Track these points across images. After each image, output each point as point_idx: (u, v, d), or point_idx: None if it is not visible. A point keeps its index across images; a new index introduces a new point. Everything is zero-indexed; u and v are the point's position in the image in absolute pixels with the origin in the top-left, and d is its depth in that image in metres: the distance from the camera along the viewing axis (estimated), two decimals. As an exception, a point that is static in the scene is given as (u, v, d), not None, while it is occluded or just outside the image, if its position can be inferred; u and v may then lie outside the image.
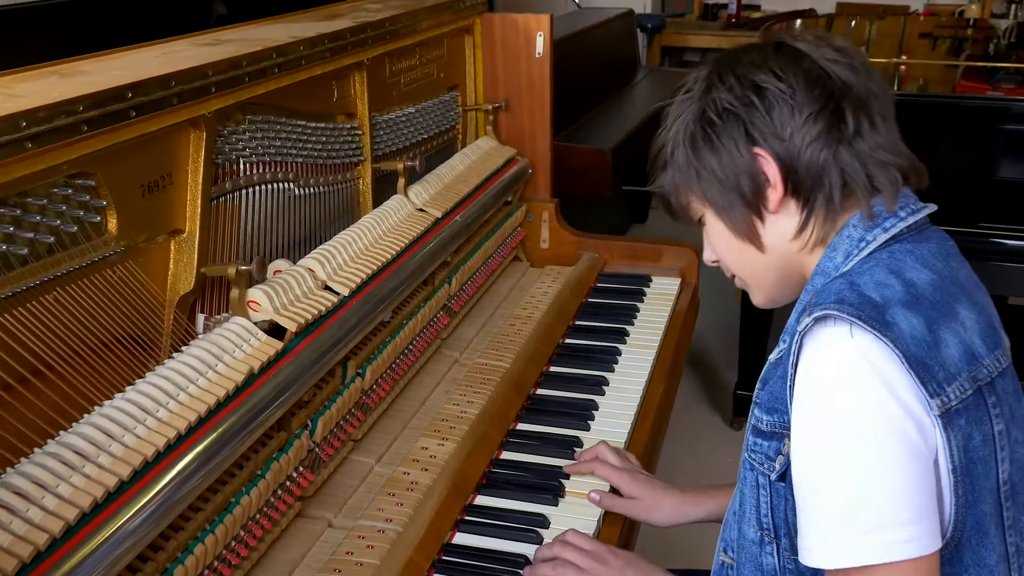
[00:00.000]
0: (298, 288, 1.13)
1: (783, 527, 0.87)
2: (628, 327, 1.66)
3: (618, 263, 1.92)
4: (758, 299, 1.00)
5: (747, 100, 0.88)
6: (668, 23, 4.78)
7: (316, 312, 1.12)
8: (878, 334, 0.78)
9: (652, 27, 4.60)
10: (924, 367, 0.78)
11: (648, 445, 1.37)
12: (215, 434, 0.91)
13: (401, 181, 1.48)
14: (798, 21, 4.82)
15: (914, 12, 4.91)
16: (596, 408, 1.40)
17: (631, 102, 3.68)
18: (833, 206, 0.88)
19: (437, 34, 1.69)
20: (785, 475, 0.85)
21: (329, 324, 1.14)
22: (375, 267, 1.27)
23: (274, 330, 1.08)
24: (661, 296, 1.79)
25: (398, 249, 1.34)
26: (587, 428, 1.35)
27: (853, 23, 4.65)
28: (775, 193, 0.89)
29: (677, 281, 1.85)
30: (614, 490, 1.21)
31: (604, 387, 1.46)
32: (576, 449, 1.29)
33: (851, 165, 0.87)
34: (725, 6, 4.96)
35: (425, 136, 1.68)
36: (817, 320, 0.81)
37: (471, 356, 1.55)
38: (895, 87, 2.89)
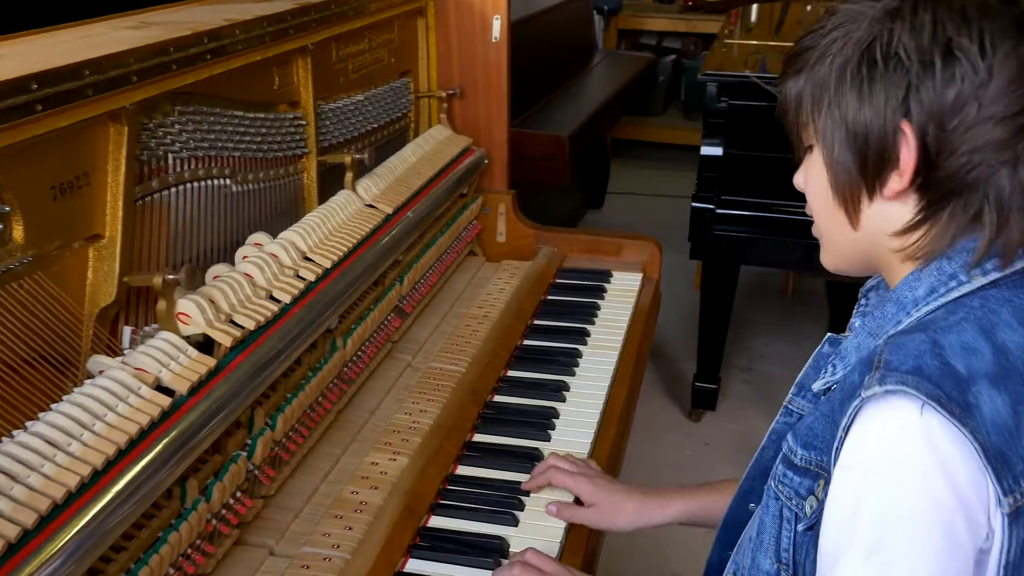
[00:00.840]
0: (234, 297, 1.03)
1: (803, 566, 0.81)
2: (589, 327, 1.59)
3: (577, 257, 1.85)
4: (826, 260, 0.88)
5: (928, 59, 0.71)
6: (625, 6, 4.71)
7: (255, 323, 1.03)
8: (957, 423, 0.67)
9: (609, 10, 4.53)
10: (1003, 460, 0.68)
11: (612, 453, 1.31)
12: (138, 466, 0.82)
13: (349, 175, 1.38)
14: None
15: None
16: (557, 416, 1.33)
17: (588, 87, 3.61)
18: (958, 226, 0.75)
19: (387, 17, 1.59)
20: (815, 525, 0.78)
21: (269, 335, 1.05)
22: (320, 270, 1.18)
23: (207, 344, 0.99)
24: (623, 293, 1.72)
25: (345, 250, 1.25)
26: (547, 439, 1.28)
27: (808, 8, 4.62)
28: (897, 182, 0.75)
29: (639, 276, 1.78)
30: (577, 500, 1.14)
31: (565, 392, 1.39)
32: (536, 463, 1.22)
33: (1005, 194, 0.72)
34: (682, -12, 4.90)
35: (375, 126, 1.58)
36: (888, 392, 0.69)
37: (424, 360, 1.46)
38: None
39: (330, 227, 1.27)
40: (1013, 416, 0.69)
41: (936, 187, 0.74)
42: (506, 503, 1.14)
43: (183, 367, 0.92)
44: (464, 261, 1.81)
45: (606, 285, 1.74)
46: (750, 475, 1.07)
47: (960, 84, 0.71)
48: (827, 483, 0.77)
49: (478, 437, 1.28)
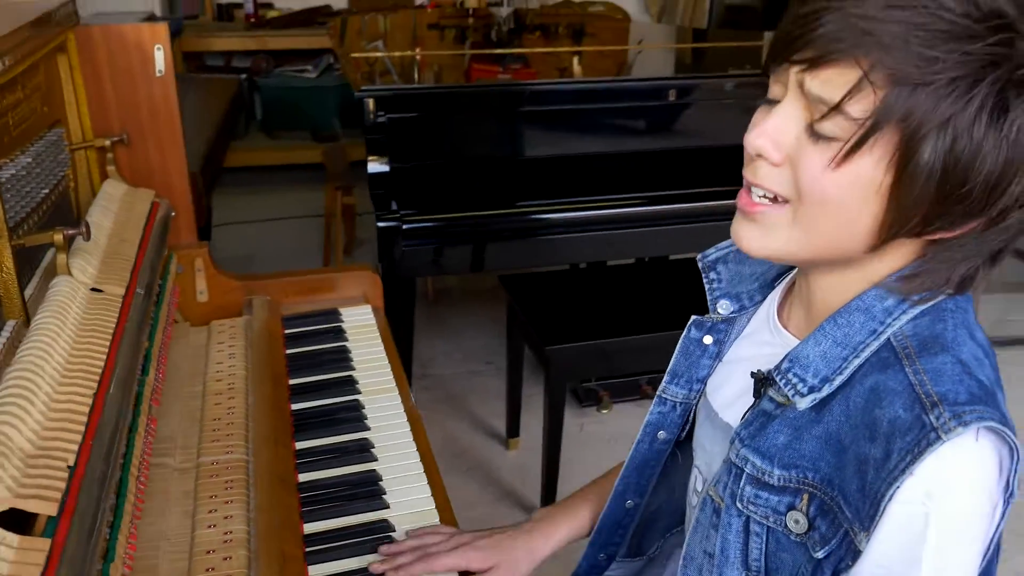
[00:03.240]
0: (16, 459, 0.76)
1: (777, 570, 0.81)
2: (351, 372, 1.46)
3: (294, 302, 1.69)
4: (771, 248, 0.80)
5: None
6: (186, 27, 4.38)
7: (57, 482, 0.76)
8: (1012, 440, 0.70)
9: (171, 32, 4.18)
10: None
11: (443, 500, 1.22)
12: None
13: (61, 257, 1.09)
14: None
15: (421, 5, 5.17)
16: (380, 478, 1.20)
17: (184, 117, 3.30)
18: (947, 278, 0.77)
19: (33, 58, 1.28)
20: (810, 531, 0.78)
21: (75, 494, 0.79)
22: (88, 396, 0.91)
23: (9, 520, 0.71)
24: (362, 329, 1.61)
25: (102, 358, 0.98)
26: (386, 505, 1.15)
27: (367, 18, 4.74)
28: (948, 232, 0.73)
29: (368, 308, 1.68)
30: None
31: (372, 450, 1.26)
32: (390, 535, 1.09)
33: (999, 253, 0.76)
34: (240, 5, 4.70)
35: (46, 191, 1.27)
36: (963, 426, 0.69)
37: (190, 457, 1.22)
38: (416, 77, 2.81)
39: (71, 331, 0.99)
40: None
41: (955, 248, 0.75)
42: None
43: (12, 562, 0.65)
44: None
45: (341, 325, 1.61)
46: (626, 473, 1.07)
47: None
48: (814, 499, 0.79)
49: (310, 527, 1.11)
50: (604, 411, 2.85)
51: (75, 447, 0.81)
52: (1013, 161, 0.68)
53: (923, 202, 0.70)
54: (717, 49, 3.38)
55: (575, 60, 3.26)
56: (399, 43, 4.18)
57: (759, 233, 0.79)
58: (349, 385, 1.42)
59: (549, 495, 2.34)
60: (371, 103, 2.12)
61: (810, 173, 0.73)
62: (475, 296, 3.70)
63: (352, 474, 1.21)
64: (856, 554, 0.75)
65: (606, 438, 2.77)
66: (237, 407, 1.33)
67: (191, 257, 1.61)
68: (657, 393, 1.01)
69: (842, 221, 0.74)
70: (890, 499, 0.71)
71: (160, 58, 1.49)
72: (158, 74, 1.50)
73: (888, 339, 0.77)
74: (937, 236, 0.74)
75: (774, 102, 0.76)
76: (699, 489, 0.97)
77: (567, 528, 1.10)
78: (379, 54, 3.03)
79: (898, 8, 0.66)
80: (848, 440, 0.76)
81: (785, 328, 0.91)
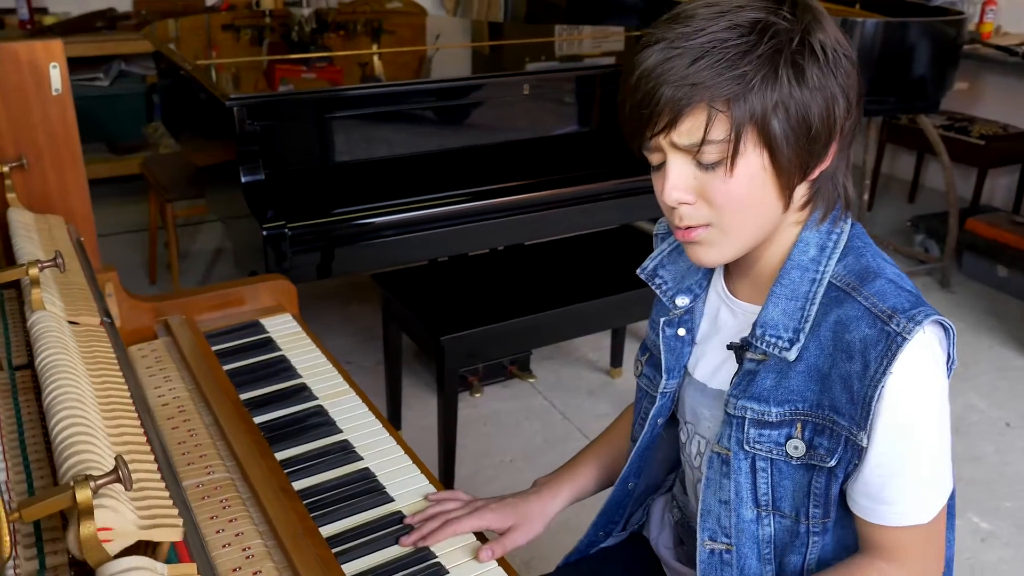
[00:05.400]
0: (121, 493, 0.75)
1: (782, 498, 0.98)
2: (299, 379, 1.47)
3: (208, 318, 1.65)
4: (717, 255, 0.97)
5: (841, 61, 0.90)
6: (-45, 36, 3.96)
7: (170, 510, 0.76)
8: (945, 319, 0.92)
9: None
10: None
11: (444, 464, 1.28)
12: None
13: (35, 292, 1.04)
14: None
15: (213, 6, 4.96)
16: (373, 476, 1.24)
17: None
18: (835, 190, 0.97)
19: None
20: (809, 452, 0.94)
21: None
22: (136, 423, 0.90)
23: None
24: (290, 336, 1.61)
25: (124, 387, 0.96)
26: (391, 499, 1.19)
27: (155, 22, 4.50)
28: (825, 162, 0.94)
29: (288, 316, 1.68)
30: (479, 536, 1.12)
31: (354, 450, 1.29)
32: (407, 524, 1.14)
33: (850, 157, 0.98)
34: (13, 11, 4.30)
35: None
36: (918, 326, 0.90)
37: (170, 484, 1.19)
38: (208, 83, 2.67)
39: (87, 378, 0.96)
40: None
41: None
42: (431, 572, 1.06)
43: (176, 590, 0.66)
44: (90, 363, 1.47)
45: (269, 335, 1.60)
46: (631, 460, 1.20)
47: (855, 73, 0.92)
48: (807, 424, 0.96)
49: (326, 530, 1.13)
50: (476, 395, 2.95)
51: (158, 475, 0.81)
52: (826, 97, 0.90)
53: (795, 156, 0.91)
54: (515, 44, 3.52)
55: (375, 58, 3.28)
56: (194, 48, 4.02)
57: (706, 249, 0.97)
58: (301, 391, 1.43)
59: (448, 484, 2.41)
60: (243, 112, 2.08)
61: (718, 191, 0.92)
62: (317, 299, 3.67)
63: (346, 475, 1.24)
64: (860, 451, 0.94)
65: (481, 421, 2.88)
66: (197, 428, 1.31)
67: (102, 282, 1.53)
68: (659, 390, 1.13)
69: (757, 207, 0.94)
70: (878, 398, 0.91)
71: (56, 76, 1.41)
72: (54, 93, 1.42)
73: (830, 282, 0.98)
74: (817, 172, 0.95)
75: (660, 166, 0.95)
76: (702, 451, 1.10)
77: (570, 488, 1.21)
78: (206, 62, 2.93)
79: (700, 59, 0.87)
80: (828, 366, 0.95)
81: (737, 298, 1.07)
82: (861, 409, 0.92)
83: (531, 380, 3.08)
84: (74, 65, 4.45)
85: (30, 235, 1.30)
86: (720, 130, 0.88)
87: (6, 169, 1.38)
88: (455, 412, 2.33)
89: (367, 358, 3.20)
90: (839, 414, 0.94)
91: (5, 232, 1.35)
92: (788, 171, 0.91)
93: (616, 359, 3.13)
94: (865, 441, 0.92)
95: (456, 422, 2.35)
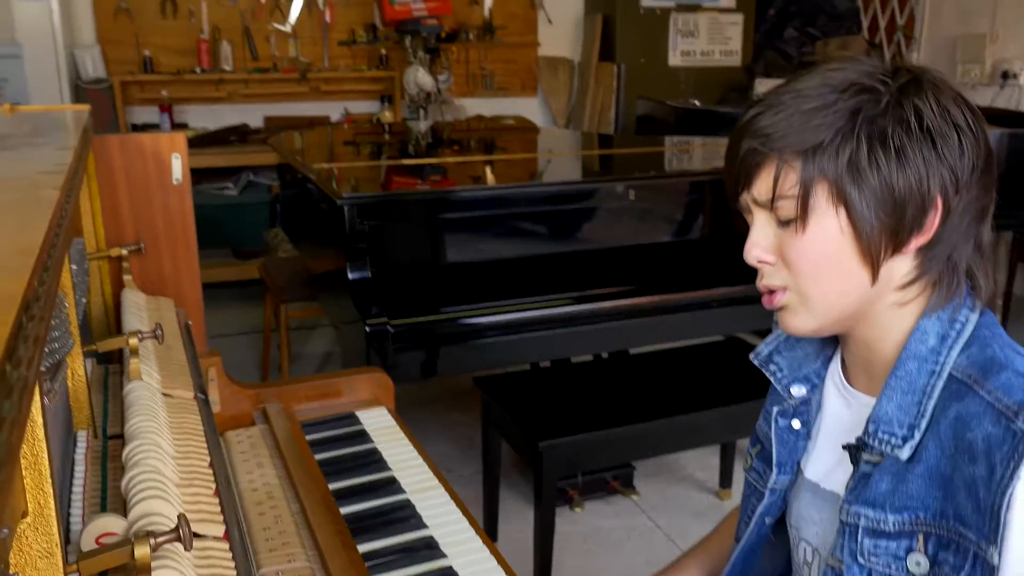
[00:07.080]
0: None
1: None
2: (390, 472, 1.43)
3: (307, 407, 1.65)
4: (801, 323, 0.92)
5: (944, 130, 0.84)
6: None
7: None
8: None
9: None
10: None
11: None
12: None
13: (134, 363, 1.05)
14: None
15: (337, 122, 5.26)
16: (455, 574, 1.17)
17: None
18: (954, 273, 0.88)
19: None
20: (934, 569, 0.83)
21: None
22: (211, 493, 0.87)
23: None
24: (385, 430, 1.59)
25: (206, 458, 0.95)
26: (475, 601, 1.12)
27: (282, 135, 4.79)
28: (922, 236, 0.86)
29: (384, 410, 1.66)
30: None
31: (438, 547, 1.23)
32: (491, 629, 1.06)
33: (981, 249, 0.89)
34: (157, 126, 4.66)
35: (86, 299, 1.23)
36: None
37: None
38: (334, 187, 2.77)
39: (170, 445, 0.95)
40: None
41: (938, 245, 0.88)
42: None
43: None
44: (187, 446, 1.48)
45: (363, 427, 1.58)
46: (735, 561, 1.10)
47: (964, 149, 0.85)
48: (930, 537, 0.84)
49: (408, 631, 1.07)
50: (577, 509, 2.84)
51: (225, 544, 0.77)
52: (917, 164, 0.83)
53: (876, 222, 0.85)
54: (624, 153, 3.54)
55: (487, 168, 3.35)
56: (314, 157, 4.23)
57: (790, 315, 0.92)
58: (391, 485, 1.39)
59: (543, 600, 2.29)
60: (354, 212, 2.14)
61: (793, 249, 0.88)
62: (417, 406, 3.66)
63: (427, 572, 1.18)
64: (992, 569, 0.81)
65: (581, 538, 2.75)
66: (283, 515, 1.28)
67: (205, 367, 1.56)
68: (768, 486, 1.04)
69: (835, 272, 0.88)
70: (1007, 507, 0.79)
71: (177, 166, 1.48)
72: (175, 182, 1.49)
73: (950, 374, 0.88)
74: (913, 244, 0.87)
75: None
76: (809, 561, 1.00)
77: (697, 571, 1.13)
78: (328, 165, 3.07)
79: (780, 113, 0.86)
80: (950, 469, 0.84)
81: (854, 388, 0.99)
82: (989, 520, 0.80)
83: (634, 497, 2.94)
84: (207, 175, 4.78)
85: (140, 313, 1.34)
86: (790, 183, 0.86)
87: (125, 252, 1.44)
88: (552, 524, 2.23)
89: (466, 467, 3.14)
90: (966, 525, 0.82)
91: (119, 312, 1.40)
92: (870, 237, 0.85)
93: (725, 479, 2.97)
94: (996, 558, 0.80)
95: (553, 535, 2.25)
